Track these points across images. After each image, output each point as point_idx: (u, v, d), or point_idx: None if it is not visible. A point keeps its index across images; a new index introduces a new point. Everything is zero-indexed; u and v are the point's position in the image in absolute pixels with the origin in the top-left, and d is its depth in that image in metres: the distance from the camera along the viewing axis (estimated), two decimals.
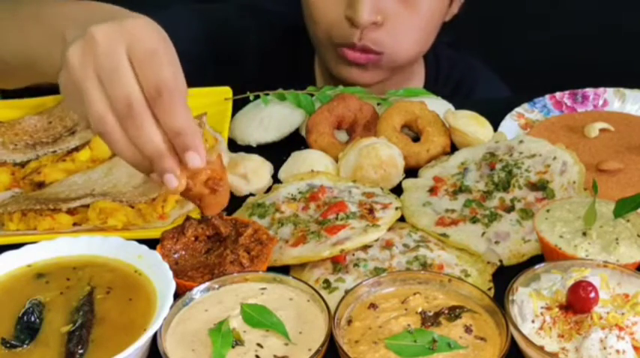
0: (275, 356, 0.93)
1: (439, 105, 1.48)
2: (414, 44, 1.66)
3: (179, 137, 0.95)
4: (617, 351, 0.90)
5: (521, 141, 1.33)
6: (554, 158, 1.27)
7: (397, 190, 1.31)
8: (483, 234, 1.18)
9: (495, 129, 1.45)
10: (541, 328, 0.95)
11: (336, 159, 1.37)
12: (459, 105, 1.49)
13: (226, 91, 1.54)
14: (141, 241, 1.07)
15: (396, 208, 1.22)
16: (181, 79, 0.98)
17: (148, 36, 0.98)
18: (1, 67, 1.29)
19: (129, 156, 0.98)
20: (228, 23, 1.83)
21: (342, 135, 1.46)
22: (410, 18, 1.60)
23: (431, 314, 0.98)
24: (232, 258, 1.08)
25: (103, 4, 1.16)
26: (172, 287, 0.98)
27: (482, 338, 0.95)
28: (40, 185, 1.32)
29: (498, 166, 1.29)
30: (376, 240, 1.16)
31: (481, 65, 1.98)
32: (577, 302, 0.95)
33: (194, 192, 1.02)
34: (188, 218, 1.15)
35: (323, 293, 1.04)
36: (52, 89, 1.40)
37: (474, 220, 1.21)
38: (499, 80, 1.98)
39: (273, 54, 1.83)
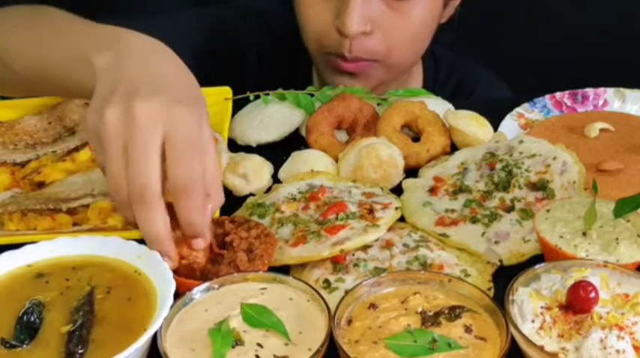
0: (275, 356, 0.93)
1: (439, 105, 1.48)
2: (407, 50, 1.63)
3: (191, 228, 1.02)
4: (617, 351, 0.90)
5: (521, 141, 1.33)
6: (554, 158, 1.27)
7: (397, 190, 1.31)
8: (483, 234, 1.18)
9: (495, 129, 1.45)
10: (541, 328, 0.95)
11: (336, 159, 1.37)
12: (459, 106, 1.49)
13: (226, 91, 1.54)
14: (141, 241, 1.07)
15: (396, 208, 1.22)
16: (201, 172, 1.00)
17: (189, 129, 0.99)
18: (8, 76, 1.29)
19: (132, 224, 1.03)
20: (229, 24, 1.84)
21: (342, 135, 1.46)
22: (401, 25, 1.57)
23: (431, 314, 0.98)
24: (229, 259, 1.08)
25: (126, 31, 1.15)
26: (172, 287, 0.98)
27: (482, 338, 0.94)
28: (40, 185, 1.32)
29: (498, 166, 1.29)
30: (376, 240, 1.16)
31: (481, 68, 1.97)
32: (577, 302, 0.95)
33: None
34: None
35: (323, 293, 1.04)
36: None
37: (474, 220, 1.21)
38: (499, 81, 1.98)
39: (273, 55, 1.83)
